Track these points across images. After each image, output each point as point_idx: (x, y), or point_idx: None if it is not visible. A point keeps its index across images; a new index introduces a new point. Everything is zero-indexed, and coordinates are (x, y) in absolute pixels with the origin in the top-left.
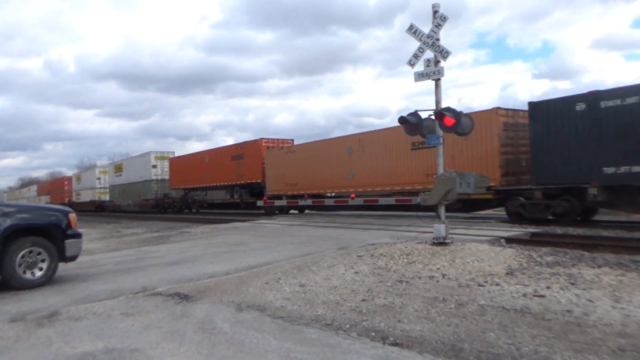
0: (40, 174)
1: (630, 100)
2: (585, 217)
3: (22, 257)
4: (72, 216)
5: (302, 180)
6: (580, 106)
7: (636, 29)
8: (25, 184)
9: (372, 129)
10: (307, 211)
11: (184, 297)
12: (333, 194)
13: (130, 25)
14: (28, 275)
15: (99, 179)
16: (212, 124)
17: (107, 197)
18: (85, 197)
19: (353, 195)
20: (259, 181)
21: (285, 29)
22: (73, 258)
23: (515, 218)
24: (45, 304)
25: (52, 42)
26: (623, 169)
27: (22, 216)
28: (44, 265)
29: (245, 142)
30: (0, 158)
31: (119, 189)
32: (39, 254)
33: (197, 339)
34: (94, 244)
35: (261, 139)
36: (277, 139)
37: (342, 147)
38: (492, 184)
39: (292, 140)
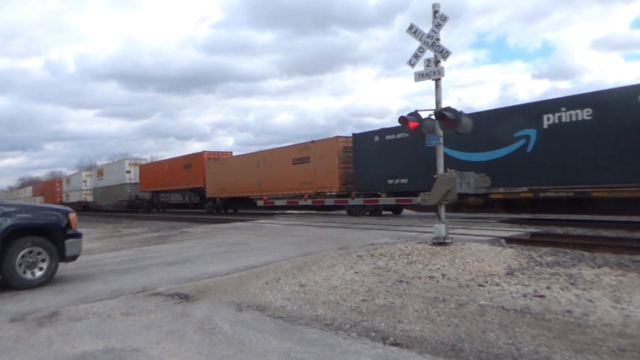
0: (41, 174)
1: (399, 135)
2: (378, 213)
3: (22, 257)
4: (72, 216)
5: (229, 186)
6: (376, 138)
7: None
8: (25, 184)
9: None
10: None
11: (184, 297)
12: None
13: (131, 25)
14: (28, 275)
15: (85, 182)
16: (212, 124)
17: (91, 198)
18: (74, 198)
19: (354, 196)
20: (202, 186)
21: (286, 29)
22: (73, 258)
23: (349, 214)
24: (46, 303)
25: (52, 42)
26: (396, 181)
27: (22, 216)
28: (44, 265)
29: (193, 154)
30: (0, 158)
31: (101, 191)
32: (39, 253)
33: (197, 338)
34: (94, 243)
35: (204, 151)
36: (218, 152)
37: (253, 161)
38: (334, 191)
39: (231, 152)
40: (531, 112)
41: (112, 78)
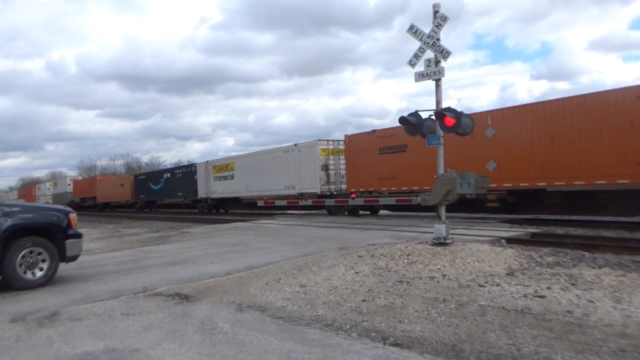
0: (41, 174)
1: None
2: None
3: (23, 257)
4: (73, 216)
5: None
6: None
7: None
8: (26, 184)
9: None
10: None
11: (185, 298)
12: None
13: (131, 27)
14: (29, 275)
15: (48, 189)
16: (212, 125)
17: (51, 201)
18: (42, 201)
19: (353, 196)
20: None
21: (285, 30)
22: (74, 258)
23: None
24: (46, 304)
25: (53, 44)
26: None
27: (23, 216)
28: (45, 266)
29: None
30: (1, 158)
31: (55, 197)
32: (39, 254)
33: (198, 339)
34: (95, 244)
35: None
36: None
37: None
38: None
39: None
40: None
41: (113, 79)
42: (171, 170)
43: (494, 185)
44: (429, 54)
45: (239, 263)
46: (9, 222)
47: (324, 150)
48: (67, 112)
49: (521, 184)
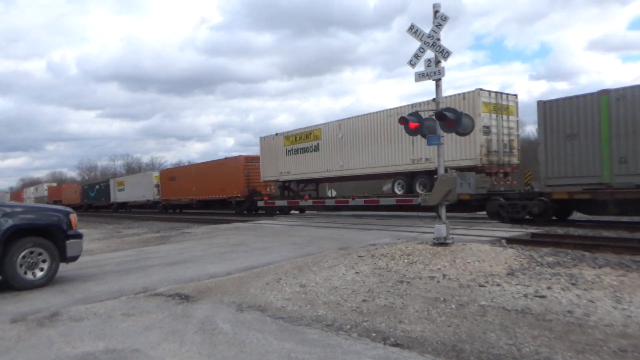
0: (42, 174)
1: None
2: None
3: (23, 257)
4: (73, 217)
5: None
6: None
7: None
8: (26, 184)
9: None
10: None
11: (185, 298)
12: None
13: (132, 27)
14: (29, 275)
15: (32, 192)
16: (213, 125)
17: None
18: (28, 202)
19: (354, 196)
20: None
21: (285, 31)
22: (74, 258)
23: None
24: (46, 304)
25: (54, 45)
26: None
27: (23, 217)
28: (45, 266)
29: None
30: (2, 159)
31: (36, 199)
32: (40, 254)
33: (198, 339)
34: (95, 244)
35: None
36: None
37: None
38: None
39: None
40: None
41: (113, 79)
42: (99, 182)
43: None
44: (429, 54)
45: (239, 263)
46: (10, 222)
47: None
48: (67, 112)
49: None
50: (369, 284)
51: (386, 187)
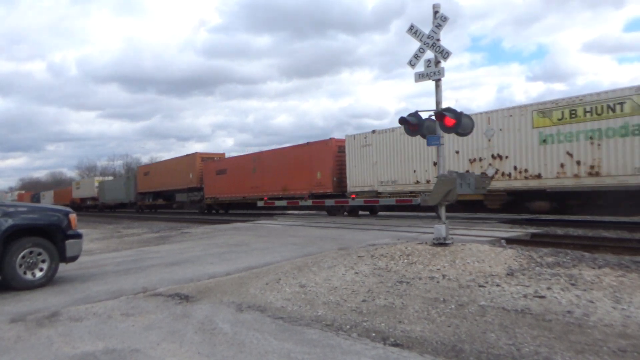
0: (41, 174)
1: None
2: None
3: (23, 257)
4: (73, 216)
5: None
6: None
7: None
8: (26, 184)
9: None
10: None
11: (185, 298)
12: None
13: (132, 29)
14: (28, 275)
15: (12, 199)
16: (212, 125)
17: None
18: None
19: (353, 196)
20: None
21: (284, 33)
22: (73, 258)
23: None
24: (46, 304)
25: (55, 46)
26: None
27: (23, 216)
28: (45, 266)
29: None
30: (2, 159)
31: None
32: (39, 254)
33: (198, 339)
34: (95, 244)
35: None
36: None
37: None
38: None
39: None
40: None
41: (114, 80)
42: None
43: None
44: (429, 54)
45: (239, 263)
46: (9, 222)
47: None
48: (67, 113)
49: None
50: (368, 284)
51: None
